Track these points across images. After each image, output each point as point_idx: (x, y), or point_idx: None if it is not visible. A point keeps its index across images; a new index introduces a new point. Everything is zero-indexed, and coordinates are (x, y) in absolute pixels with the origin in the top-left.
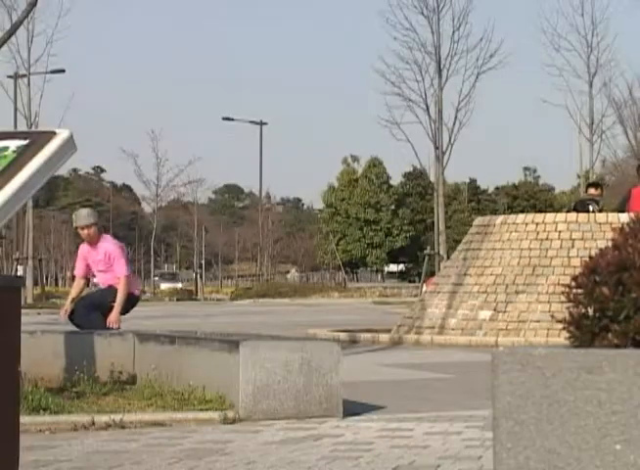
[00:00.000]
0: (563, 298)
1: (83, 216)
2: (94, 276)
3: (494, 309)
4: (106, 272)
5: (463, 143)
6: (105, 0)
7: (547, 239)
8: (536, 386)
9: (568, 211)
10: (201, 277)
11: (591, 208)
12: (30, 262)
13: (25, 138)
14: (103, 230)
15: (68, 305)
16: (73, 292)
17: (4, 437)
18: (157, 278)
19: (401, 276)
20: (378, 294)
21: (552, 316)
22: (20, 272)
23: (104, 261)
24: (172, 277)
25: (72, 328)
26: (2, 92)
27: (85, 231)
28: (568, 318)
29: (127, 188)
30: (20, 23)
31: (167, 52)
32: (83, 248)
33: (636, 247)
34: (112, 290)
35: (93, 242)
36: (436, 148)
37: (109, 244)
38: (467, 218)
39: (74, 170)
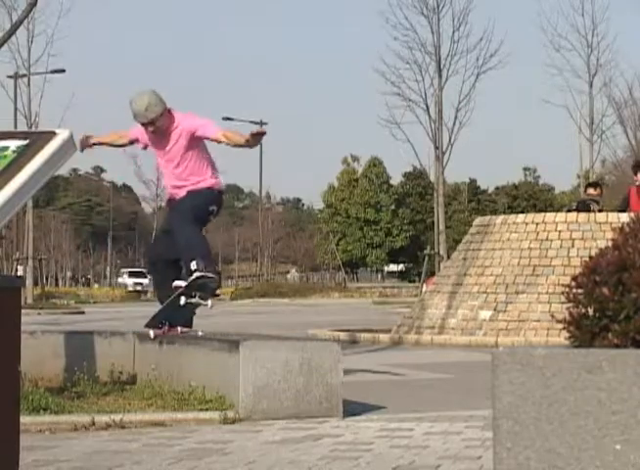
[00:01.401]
0: (563, 298)
1: (143, 110)
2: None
3: (494, 309)
4: (185, 170)
5: (463, 143)
6: (105, 0)
7: (547, 239)
8: (536, 386)
9: (568, 211)
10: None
11: (592, 207)
12: (30, 262)
13: (25, 138)
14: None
15: (91, 139)
16: (109, 136)
17: (4, 437)
18: (125, 275)
19: (401, 276)
20: (378, 294)
21: (552, 316)
22: (20, 272)
23: (182, 149)
24: (140, 274)
25: (73, 328)
26: (2, 92)
27: (152, 128)
28: (568, 318)
29: (127, 188)
30: (20, 22)
31: (167, 52)
32: (142, 131)
33: (636, 247)
34: (201, 192)
35: (161, 129)
36: (436, 148)
37: (183, 121)
38: (467, 218)
39: (74, 170)
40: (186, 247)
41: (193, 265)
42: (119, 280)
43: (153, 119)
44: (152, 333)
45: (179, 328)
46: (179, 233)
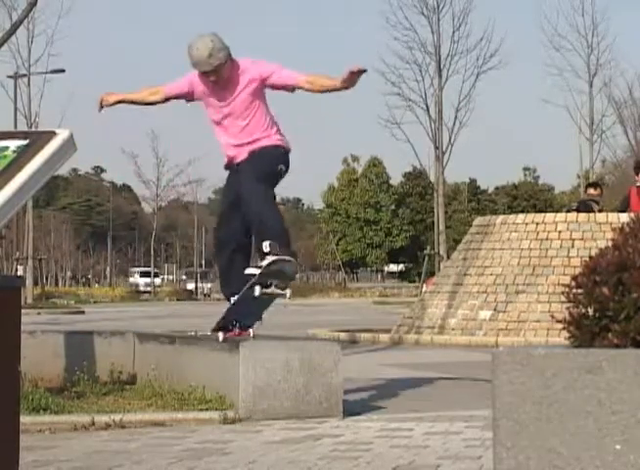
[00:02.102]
0: (563, 298)
1: (205, 56)
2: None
3: (494, 309)
4: (248, 125)
5: (463, 143)
6: (105, 0)
7: (547, 239)
8: (536, 386)
9: (567, 211)
10: (200, 277)
11: (593, 208)
12: (30, 262)
13: (25, 138)
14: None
15: (114, 96)
16: (138, 93)
17: (4, 437)
18: (136, 275)
19: (401, 276)
20: (378, 294)
21: (552, 316)
22: (20, 272)
23: (247, 100)
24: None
25: (73, 328)
26: (2, 92)
27: (214, 77)
28: (568, 318)
29: (127, 188)
30: (20, 22)
31: (167, 52)
32: (201, 77)
33: (636, 247)
34: (267, 151)
35: (223, 79)
36: (436, 148)
37: (250, 67)
38: (467, 218)
39: (74, 170)
40: (257, 223)
41: (265, 247)
42: (130, 280)
43: (217, 67)
44: (221, 336)
45: (251, 330)
46: (249, 205)
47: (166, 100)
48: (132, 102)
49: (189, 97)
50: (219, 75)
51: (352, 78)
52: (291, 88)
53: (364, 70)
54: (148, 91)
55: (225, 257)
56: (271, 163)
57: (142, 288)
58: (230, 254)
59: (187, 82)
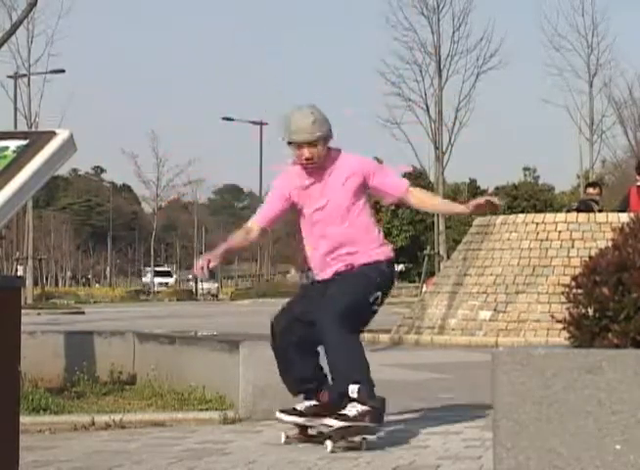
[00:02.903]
0: (563, 298)
1: (309, 123)
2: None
3: (494, 309)
4: (349, 229)
5: (463, 143)
6: (105, 0)
7: (547, 239)
8: (536, 386)
9: (568, 211)
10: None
11: (593, 208)
12: (30, 262)
13: (25, 138)
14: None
15: (214, 255)
16: (233, 241)
17: (4, 437)
18: (149, 274)
19: (401, 276)
20: None
21: (552, 316)
22: (20, 272)
23: (349, 197)
24: (166, 273)
25: (73, 328)
26: (2, 92)
27: (307, 151)
28: (568, 318)
29: (127, 188)
30: (20, 22)
31: (167, 51)
32: (291, 174)
33: (636, 247)
34: (370, 270)
35: (318, 164)
36: (436, 148)
37: (351, 159)
38: (467, 218)
39: (74, 170)
40: (340, 360)
41: (352, 391)
42: (143, 279)
43: (318, 139)
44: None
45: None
46: (326, 351)
47: (265, 231)
48: (233, 250)
49: (289, 207)
50: (318, 154)
51: (481, 209)
52: (395, 200)
53: (498, 205)
54: (242, 235)
55: (284, 360)
56: (365, 291)
57: (155, 288)
58: (289, 358)
59: (279, 195)
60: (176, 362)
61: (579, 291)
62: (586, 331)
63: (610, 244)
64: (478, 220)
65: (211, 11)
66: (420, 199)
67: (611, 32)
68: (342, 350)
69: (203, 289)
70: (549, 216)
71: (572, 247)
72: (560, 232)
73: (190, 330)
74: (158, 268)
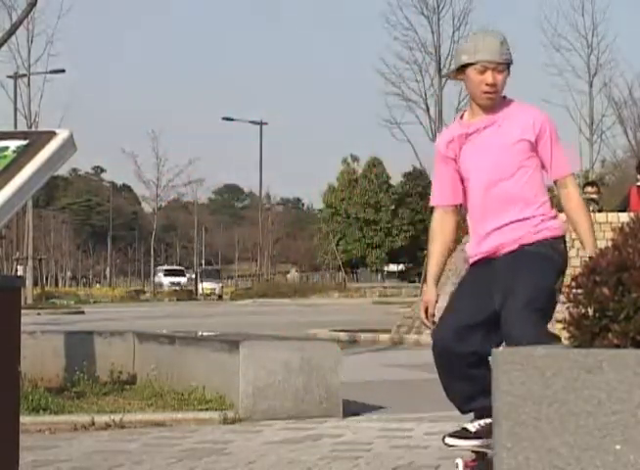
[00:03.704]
0: (563, 298)
1: (498, 43)
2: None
3: None
4: (521, 189)
5: None
6: (105, 0)
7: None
8: (536, 386)
9: None
10: (200, 277)
11: (592, 207)
12: (30, 262)
13: (25, 138)
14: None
15: (430, 295)
16: (435, 248)
17: (4, 437)
18: (160, 274)
19: (401, 276)
20: (378, 294)
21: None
22: (20, 272)
23: (524, 152)
24: (178, 273)
25: (73, 328)
26: (2, 92)
27: (491, 76)
28: (568, 318)
29: (127, 188)
30: (20, 22)
31: (168, 52)
32: (453, 126)
33: (636, 247)
34: (549, 249)
35: (488, 108)
36: None
37: (531, 110)
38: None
39: (74, 170)
40: None
41: None
42: (155, 279)
43: (506, 63)
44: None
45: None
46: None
47: (456, 207)
48: (446, 256)
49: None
50: (501, 83)
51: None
52: (552, 179)
53: None
54: (440, 229)
55: (445, 366)
56: (552, 279)
57: (166, 288)
58: (453, 366)
59: (443, 158)
60: (176, 362)
61: (579, 291)
62: (586, 331)
63: (610, 244)
64: None
65: (212, 11)
66: (568, 199)
67: (611, 32)
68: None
69: (203, 289)
70: None
71: (572, 247)
72: None
73: (190, 330)
74: (169, 267)
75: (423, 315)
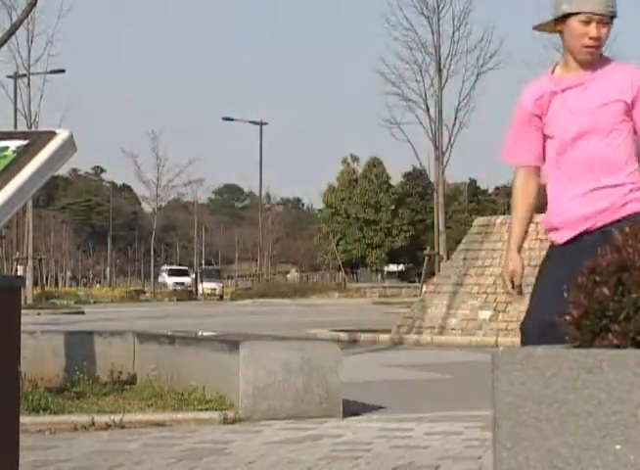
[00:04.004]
0: None
1: None
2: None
3: (494, 310)
4: (615, 154)
5: (463, 143)
6: (105, 0)
7: (547, 239)
8: (536, 386)
9: None
10: (200, 277)
11: None
12: (30, 262)
13: (25, 138)
14: None
15: (515, 265)
16: (519, 214)
17: (4, 437)
18: (164, 274)
19: (401, 276)
20: (378, 294)
21: None
22: (20, 272)
23: (619, 113)
24: (182, 272)
25: (73, 328)
26: (2, 92)
27: (595, 28)
28: (567, 318)
29: (127, 188)
30: (20, 22)
31: (168, 52)
32: (541, 80)
33: (636, 247)
34: None
35: (586, 64)
36: (436, 148)
37: (629, 69)
38: (467, 219)
39: (74, 170)
40: None
41: None
42: (159, 279)
43: (612, 15)
44: None
45: None
46: None
47: (539, 168)
48: (529, 223)
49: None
50: (604, 38)
51: None
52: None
53: None
54: (525, 193)
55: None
56: None
57: (170, 288)
58: None
59: (528, 114)
60: (176, 362)
61: (579, 291)
62: (586, 331)
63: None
64: (478, 221)
65: (212, 10)
66: None
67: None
68: None
69: (204, 289)
70: None
71: None
72: None
73: (190, 330)
74: (173, 267)
75: (509, 287)
